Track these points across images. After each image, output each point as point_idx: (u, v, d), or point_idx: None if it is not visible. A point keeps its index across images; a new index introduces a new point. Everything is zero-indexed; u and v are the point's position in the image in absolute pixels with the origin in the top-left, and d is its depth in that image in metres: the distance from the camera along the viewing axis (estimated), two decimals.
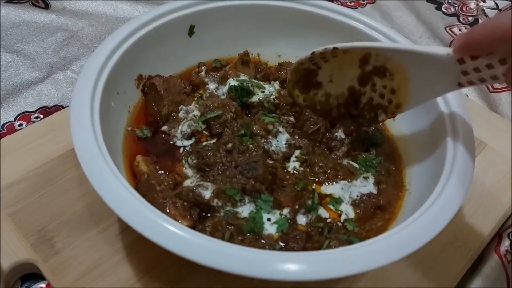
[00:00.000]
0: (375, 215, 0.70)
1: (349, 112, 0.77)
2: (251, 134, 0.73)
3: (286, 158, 0.74)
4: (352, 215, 0.69)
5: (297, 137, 0.76)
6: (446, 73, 0.61)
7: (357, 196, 0.70)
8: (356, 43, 0.70)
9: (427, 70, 0.64)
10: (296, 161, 0.74)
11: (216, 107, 0.75)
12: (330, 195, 0.70)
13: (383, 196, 0.72)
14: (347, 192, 0.71)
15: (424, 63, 0.63)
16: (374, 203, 0.70)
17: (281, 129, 0.76)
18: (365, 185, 0.72)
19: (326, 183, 0.72)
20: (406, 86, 0.69)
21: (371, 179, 0.73)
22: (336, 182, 0.72)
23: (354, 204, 0.70)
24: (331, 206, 0.69)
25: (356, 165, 0.74)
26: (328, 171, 0.72)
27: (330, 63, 0.74)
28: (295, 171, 0.73)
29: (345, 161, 0.75)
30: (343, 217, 0.68)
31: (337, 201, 0.70)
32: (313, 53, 0.73)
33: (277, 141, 0.75)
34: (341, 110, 0.77)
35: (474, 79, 0.59)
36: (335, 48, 0.70)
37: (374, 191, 0.72)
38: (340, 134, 0.76)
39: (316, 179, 0.72)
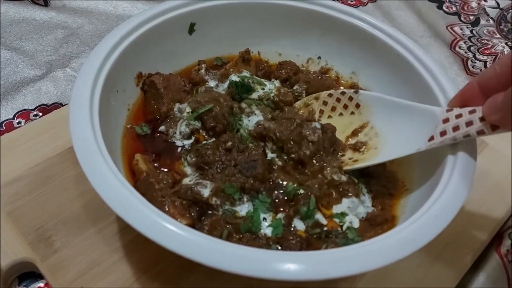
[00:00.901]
0: (379, 226, 0.68)
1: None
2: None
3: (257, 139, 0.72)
4: (356, 225, 0.67)
5: (271, 122, 0.73)
6: (425, 127, 0.65)
7: (362, 217, 0.68)
8: (375, 94, 0.77)
9: (409, 128, 0.68)
10: (273, 153, 0.72)
11: (206, 101, 0.75)
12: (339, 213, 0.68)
13: (380, 201, 0.70)
14: (353, 211, 0.68)
15: (412, 119, 0.68)
16: (380, 218, 0.68)
17: (257, 112, 0.75)
18: (363, 200, 0.70)
19: (334, 207, 0.68)
20: (370, 158, 0.72)
21: (364, 189, 0.72)
22: (346, 197, 0.69)
23: (360, 219, 0.68)
24: (336, 220, 0.67)
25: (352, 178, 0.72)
26: (332, 191, 0.69)
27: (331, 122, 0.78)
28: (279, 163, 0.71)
29: (338, 176, 0.70)
30: (345, 225, 0.66)
31: (343, 214, 0.67)
32: (334, 90, 0.79)
33: (249, 120, 0.75)
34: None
35: (449, 128, 0.61)
36: (356, 91, 0.76)
37: (369, 202, 0.70)
38: (316, 125, 0.72)
39: (324, 203, 0.68)
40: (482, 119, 0.57)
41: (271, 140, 0.72)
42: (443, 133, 0.62)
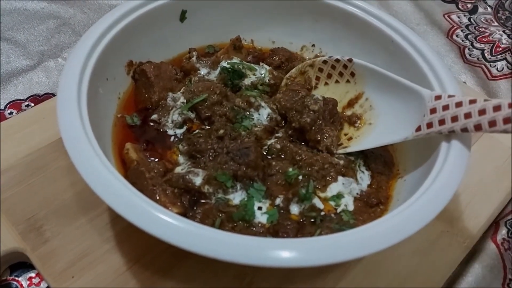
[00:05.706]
0: (373, 208, 0.68)
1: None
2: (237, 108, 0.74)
3: (269, 133, 0.74)
4: (351, 207, 0.67)
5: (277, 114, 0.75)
6: (414, 112, 0.65)
7: (357, 194, 0.69)
8: (368, 64, 0.76)
9: (400, 109, 0.69)
10: (277, 143, 0.72)
11: (201, 91, 0.74)
12: (334, 195, 0.68)
13: (377, 179, 0.71)
14: (347, 188, 0.69)
15: (402, 98, 0.69)
16: (375, 199, 0.68)
17: (263, 103, 0.75)
18: (361, 177, 0.71)
19: (330, 186, 0.69)
20: (365, 136, 0.74)
21: (362, 167, 0.72)
22: (341, 175, 0.70)
23: (356, 199, 0.69)
24: (331, 203, 0.67)
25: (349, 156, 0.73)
26: (331, 171, 0.69)
27: (326, 90, 0.80)
28: (280, 154, 0.71)
29: (336, 156, 0.72)
30: (340, 208, 0.67)
31: (338, 196, 0.68)
32: (330, 57, 0.79)
33: (259, 114, 0.74)
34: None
35: (435, 120, 0.61)
36: (350, 60, 0.77)
37: (368, 180, 0.71)
38: (319, 96, 0.74)
39: (319, 186, 0.68)
40: (467, 115, 0.57)
41: (276, 108, 0.75)
42: (429, 125, 0.62)
